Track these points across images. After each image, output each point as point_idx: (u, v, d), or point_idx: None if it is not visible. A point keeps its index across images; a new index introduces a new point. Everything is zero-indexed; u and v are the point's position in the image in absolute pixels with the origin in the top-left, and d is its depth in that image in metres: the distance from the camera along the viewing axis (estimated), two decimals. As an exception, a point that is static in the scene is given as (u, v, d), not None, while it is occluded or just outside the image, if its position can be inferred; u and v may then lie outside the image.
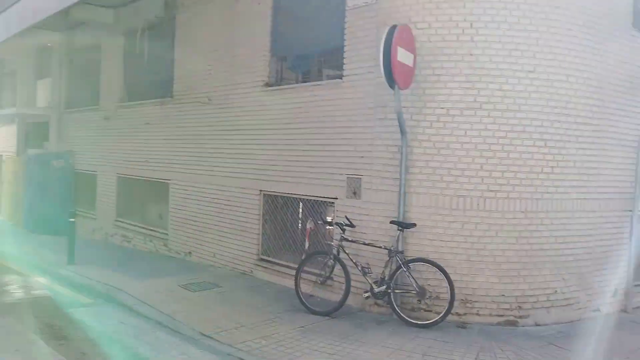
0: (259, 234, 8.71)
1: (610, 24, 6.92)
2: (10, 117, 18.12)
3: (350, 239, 6.74)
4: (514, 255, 6.38)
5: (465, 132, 6.36)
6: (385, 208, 6.75)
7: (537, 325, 6.46)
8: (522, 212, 6.40)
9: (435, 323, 6.18)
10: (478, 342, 5.82)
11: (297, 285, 6.93)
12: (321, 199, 7.65)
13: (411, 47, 6.27)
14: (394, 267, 6.44)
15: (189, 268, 9.43)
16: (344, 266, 6.61)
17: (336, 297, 7.16)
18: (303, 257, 7.21)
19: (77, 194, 14.54)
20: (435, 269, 6.25)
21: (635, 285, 7.49)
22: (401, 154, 6.48)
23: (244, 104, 9.02)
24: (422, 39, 6.48)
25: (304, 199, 8.00)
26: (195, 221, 10.07)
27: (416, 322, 6.26)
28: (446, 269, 6.19)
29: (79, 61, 14.76)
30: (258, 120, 8.74)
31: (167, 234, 10.89)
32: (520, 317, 6.41)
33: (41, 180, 14.44)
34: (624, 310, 7.37)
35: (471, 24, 6.33)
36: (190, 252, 10.21)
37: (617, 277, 7.30)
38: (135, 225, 12.01)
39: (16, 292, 8.00)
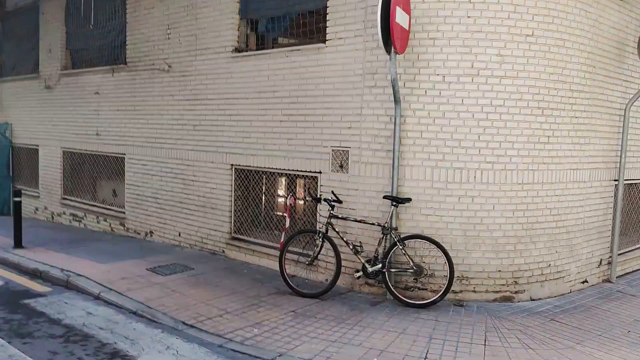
0: (230, 211, 8.13)
1: (603, -12, 6.69)
2: None
3: (340, 216, 6.30)
4: (510, 229, 6.15)
5: (462, 101, 5.99)
6: (377, 182, 6.34)
7: (532, 300, 6.29)
8: (519, 183, 6.15)
9: (434, 302, 5.89)
10: (481, 321, 5.57)
11: (281, 266, 6.46)
12: (302, 173, 7.15)
13: (407, 8, 5.79)
14: (388, 244, 6.07)
15: (153, 249, 8.75)
16: (333, 245, 6.19)
17: (321, 277, 6.76)
18: (284, 236, 6.72)
19: (16, 170, 13.36)
20: (431, 245, 5.92)
21: (618, 255, 7.48)
22: (394, 124, 6.06)
23: (210, 72, 8.32)
24: None
25: (281, 173, 7.47)
26: (157, 198, 9.35)
27: (413, 302, 5.94)
28: (443, 245, 5.88)
29: (13, 24, 13.37)
30: (227, 89, 8.07)
31: (124, 213, 10.11)
32: (516, 292, 6.22)
33: (-28, 156, 13.16)
34: (608, 280, 7.36)
35: (468, -16, 5.92)
36: (151, 232, 9.50)
37: (602, 248, 7.26)
38: (85, 204, 11.11)
39: (-41, 282, 7.12)
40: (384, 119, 6.25)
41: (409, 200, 6.05)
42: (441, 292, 5.88)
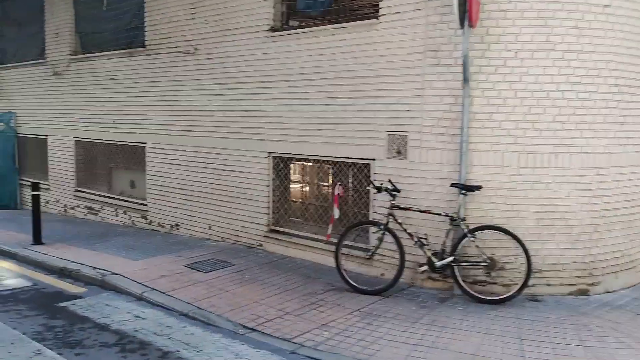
0: (268, 202, 7.66)
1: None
2: None
3: (402, 206, 5.86)
4: (586, 217, 5.74)
5: (537, 78, 5.54)
6: (440, 169, 5.89)
7: (607, 292, 5.91)
8: (595, 167, 5.73)
9: (510, 298, 5.48)
10: (566, 318, 5.17)
11: (337, 261, 6.03)
12: (351, 160, 6.69)
13: (479, -23, 5.31)
14: (457, 236, 5.64)
15: (182, 243, 8.28)
16: (396, 238, 5.75)
17: (376, 272, 6.34)
18: (331, 228, 6.28)
19: (22, 161, 12.79)
20: (503, 236, 5.50)
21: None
22: (463, 105, 5.60)
23: (242, 53, 7.80)
24: (483, -31, 5.54)
25: (328, 161, 7.00)
26: (183, 189, 8.86)
27: (486, 297, 5.53)
28: (519, 236, 5.46)
29: (14, 6, 12.70)
30: (262, 72, 7.57)
31: (145, 205, 9.61)
32: (592, 284, 5.83)
33: (-25, 148, 12.59)
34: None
35: (542, -49, 5.44)
36: (177, 225, 9.02)
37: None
38: (102, 196, 10.59)
39: (-16, 284, 6.63)
40: (449, 100, 5.79)
41: (479, 187, 5.61)
42: (518, 286, 5.47)
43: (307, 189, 7.36)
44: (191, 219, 8.78)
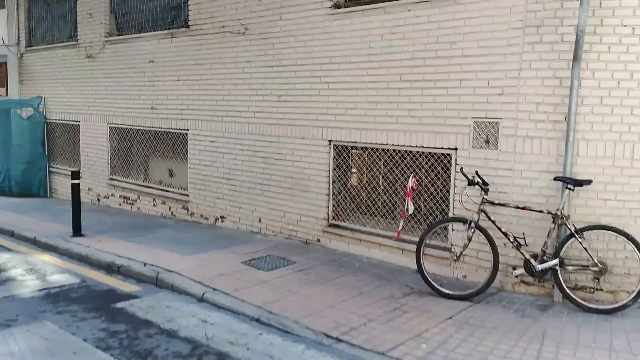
0: (328, 194, 7.05)
1: None
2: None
3: (496, 202, 5.22)
4: None
5: (657, 59, 4.85)
6: (539, 160, 5.24)
7: None
8: None
9: (623, 307, 4.84)
10: (695, 331, 4.52)
11: (419, 261, 5.40)
12: (428, 150, 6.04)
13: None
14: (561, 236, 4.99)
15: (230, 237, 7.70)
16: (489, 237, 5.12)
17: (456, 273, 5.71)
18: (402, 224, 5.66)
19: (51, 148, 12.28)
20: (616, 237, 4.85)
21: None
22: (571, 87, 4.93)
23: (300, 32, 7.15)
24: None
25: (399, 150, 6.36)
26: (229, 179, 8.28)
27: (595, 307, 4.89)
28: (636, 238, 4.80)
29: (46, -13, 12.14)
30: (323, 52, 6.93)
31: (187, 195, 9.04)
32: None
33: (3, 133, 12.08)
34: None
35: None
36: (222, 217, 8.45)
37: None
38: (138, 185, 10.04)
39: (27, 279, 6.08)
40: (551, 83, 5.12)
41: (589, 182, 4.96)
42: (631, 294, 4.82)
43: (373, 180, 6.73)
44: (238, 211, 8.20)
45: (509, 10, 5.29)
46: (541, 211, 5.05)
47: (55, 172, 12.21)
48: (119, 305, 5.21)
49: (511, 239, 5.11)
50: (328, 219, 7.07)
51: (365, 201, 6.81)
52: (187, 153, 9.02)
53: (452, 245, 5.75)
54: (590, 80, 4.97)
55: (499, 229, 5.15)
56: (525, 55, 5.22)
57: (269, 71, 7.59)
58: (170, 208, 9.36)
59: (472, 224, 5.18)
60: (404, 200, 6.26)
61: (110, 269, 6.46)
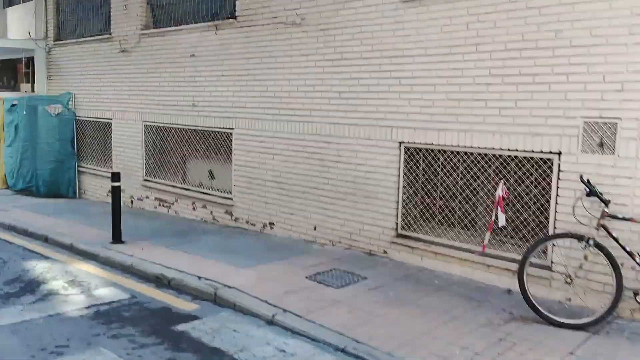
0: (397, 201, 6.34)
1: None
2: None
3: (620, 216, 4.48)
4: None
5: None
6: (668, 167, 4.49)
7: None
8: None
9: None
10: None
11: (522, 283, 4.66)
12: (523, 153, 5.31)
13: None
14: (701, 258, 4.24)
15: (285, 247, 7.01)
16: (611, 257, 4.37)
17: (557, 295, 4.97)
18: (488, 237, 4.95)
19: (80, 147, 11.68)
20: None
21: None
22: None
23: (367, 23, 6.45)
24: None
25: (486, 154, 5.63)
26: (280, 183, 7.59)
27: None
28: None
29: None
30: (394, 45, 6.22)
31: (231, 199, 8.37)
32: None
33: (31, 130, 11.47)
34: None
35: None
36: (271, 224, 7.76)
37: None
38: (176, 187, 9.38)
39: (70, 293, 5.43)
40: (687, 78, 4.37)
41: None
42: None
43: (451, 187, 6.00)
44: (290, 217, 7.51)
45: (634, -8, 4.54)
46: (676, 227, 4.30)
47: (84, 172, 11.62)
48: (180, 328, 4.54)
49: (638, 260, 4.36)
50: (396, 229, 6.36)
51: (442, 210, 6.09)
52: (231, 154, 8.36)
53: (554, 263, 5.02)
54: None
55: (623, 247, 4.41)
56: (653, 46, 4.48)
57: (329, 65, 6.90)
58: (211, 212, 8.70)
59: (589, 241, 4.43)
60: (490, 210, 5.53)
61: (159, 282, 5.80)
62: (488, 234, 5.39)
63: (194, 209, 8.99)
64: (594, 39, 4.76)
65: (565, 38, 4.93)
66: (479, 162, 5.68)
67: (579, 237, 4.50)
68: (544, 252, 5.14)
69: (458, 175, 5.90)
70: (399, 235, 6.33)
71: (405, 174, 6.27)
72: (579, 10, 4.83)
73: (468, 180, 5.80)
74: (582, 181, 4.54)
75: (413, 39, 6.04)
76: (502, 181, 5.35)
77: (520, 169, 5.42)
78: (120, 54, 10.26)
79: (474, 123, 5.58)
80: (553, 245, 4.98)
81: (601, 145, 4.74)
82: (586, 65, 4.81)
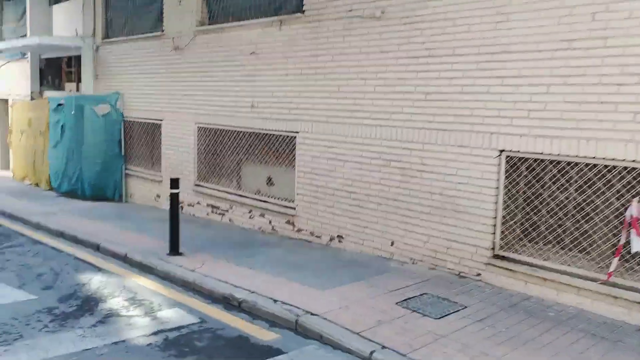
0: (494, 217, 5.52)
1: None
2: (19, 52, 14.39)
3: None
4: None
5: None
6: None
7: None
8: None
9: None
10: None
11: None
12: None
13: None
14: None
15: (358, 264, 6.25)
16: None
17: None
18: (615, 264, 4.11)
19: (128, 148, 11.16)
20: None
21: None
22: None
23: (461, 15, 5.69)
24: None
25: (615, 166, 4.78)
26: (352, 192, 6.84)
27: None
28: None
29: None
30: (495, 40, 5.43)
31: (293, 208, 7.66)
32: None
33: (77, 131, 10.98)
34: None
35: None
36: (340, 237, 7.02)
37: None
38: (231, 193, 8.73)
39: (133, 314, 4.76)
40: None
41: None
42: None
43: (566, 204, 5.16)
44: (363, 231, 6.75)
45: None
46: None
47: (130, 175, 11.09)
48: (270, 367, 3.81)
49: None
50: (493, 249, 5.55)
51: (554, 230, 5.25)
52: (294, 159, 7.66)
53: None
54: None
55: None
56: None
57: (413, 63, 6.14)
58: (270, 222, 8.01)
59: None
60: (618, 232, 4.69)
61: (228, 303, 5.12)
62: (615, 259, 4.56)
63: (250, 217, 8.32)
64: None
65: None
66: (604, 175, 4.83)
67: None
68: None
69: (576, 190, 5.05)
70: (496, 257, 5.52)
71: (507, 186, 5.46)
72: None
73: (589, 195, 4.95)
74: None
75: (520, 32, 5.24)
76: (636, 199, 4.50)
77: (658, 184, 4.56)
78: (173, 52, 9.68)
79: (599, 130, 4.75)
80: None
81: None
82: None
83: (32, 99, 14.07)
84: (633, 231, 4.41)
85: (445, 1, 5.76)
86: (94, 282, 5.66)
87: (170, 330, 4.41)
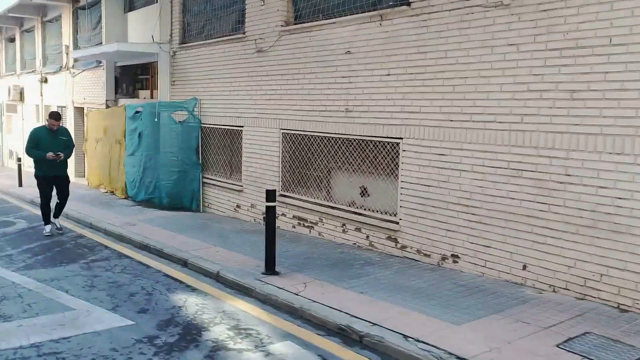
0: (669, 240, 4.44)
1: None
2: (94, 60, 14.22)
3: None
4: None
5: None
6: None
7: None
8: None
9: None
10: None
11: None
12: None
13: None
14: None
15: (486, 290, 5.29)
16: None
17: None
18: None
19: (205, 156, 10.60)
20: None
21: None
22: None
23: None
24: None
25: None
26: (470, 207, 5.89)
27: None
28: None
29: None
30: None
31: (396, 223, 6.77)
32: None
33: (154, 139, 10.49)
34: None
35: None
36: (454, 256, 6.08)
37: None
38: (320, 205, 7.93)
39: (241, 348, 4.01)
40: None
41: None
42: None
43: None
44: (485, 250, 5.79)
45: None
46: None
47: (208, 184, 10.52)
48: None
49: None
50: (667, 279, 4.47)
51: None
52: (395, 168, 6.79)
53: None
54: None
55: None
56: None
57: (553, 57, 5.16)
58: (367, 237, 7.15)
59: None
60: None
61: (345, 335, 4.31)
62: None
63: (344, 231, 7.49)
64: None
65: None
66: None
67: None
68: None
69: None
70: (671, 288, 4.44)
71: (685, 203, 4.38)
72: None
73: None
74: None
75: None
76: None
77: None
78: (255, 55, 9.03)
79: None
80: None
81: None
82: None
83: (107, 107, 13.83)
84: None
85: (600, -18, 4.76)
86: (190, 305, 4.96)
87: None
